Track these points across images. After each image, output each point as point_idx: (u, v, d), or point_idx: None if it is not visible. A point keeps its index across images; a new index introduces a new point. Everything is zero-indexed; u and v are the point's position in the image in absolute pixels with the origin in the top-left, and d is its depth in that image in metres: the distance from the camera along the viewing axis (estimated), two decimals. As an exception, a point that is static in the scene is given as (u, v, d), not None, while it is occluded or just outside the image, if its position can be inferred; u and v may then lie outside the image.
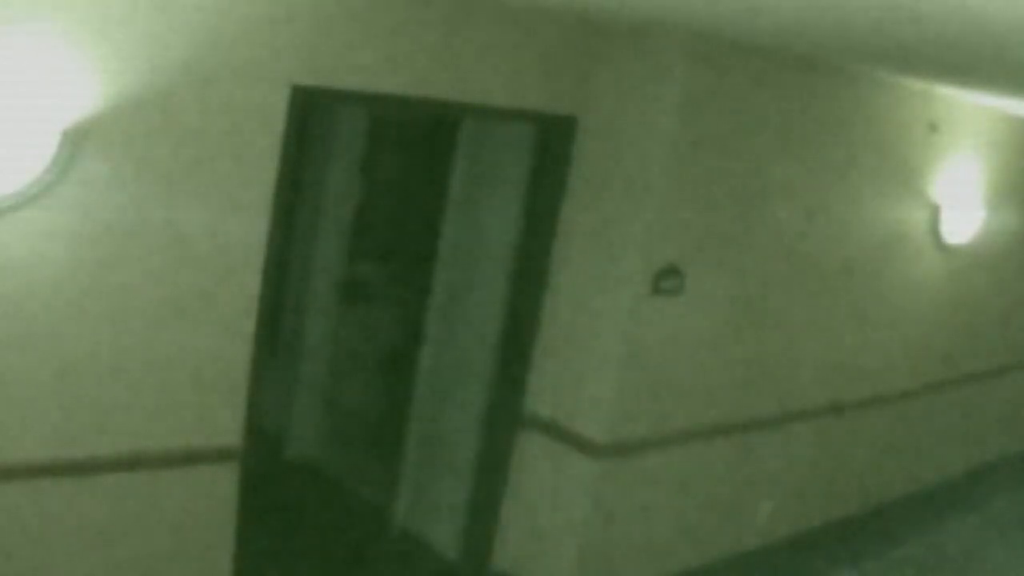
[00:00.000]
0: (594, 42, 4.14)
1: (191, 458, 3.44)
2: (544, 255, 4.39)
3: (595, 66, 4.18)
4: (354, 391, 5.88)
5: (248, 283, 3.42)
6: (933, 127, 5.30)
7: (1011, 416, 7.21)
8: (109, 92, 2.93)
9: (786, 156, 4.59)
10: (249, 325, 3.46)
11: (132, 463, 3.31)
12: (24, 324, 3.00)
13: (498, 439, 4.57)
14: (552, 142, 4.29)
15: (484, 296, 4.58)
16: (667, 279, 4.25)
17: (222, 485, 3.56)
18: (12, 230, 2.88)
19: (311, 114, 5.23)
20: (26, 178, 2.83)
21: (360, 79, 3.52)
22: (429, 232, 4.92)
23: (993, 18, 2.08)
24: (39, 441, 3.12)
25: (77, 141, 2.89)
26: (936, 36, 2.60)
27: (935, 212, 5.58)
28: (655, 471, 4.59)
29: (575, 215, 4.33)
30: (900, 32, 2.67)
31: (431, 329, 4.80)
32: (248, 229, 3.37)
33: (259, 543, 4.06)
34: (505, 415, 4.55)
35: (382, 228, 5.90)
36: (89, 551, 3.32)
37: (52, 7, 2.78)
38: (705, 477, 4.83)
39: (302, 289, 5.56)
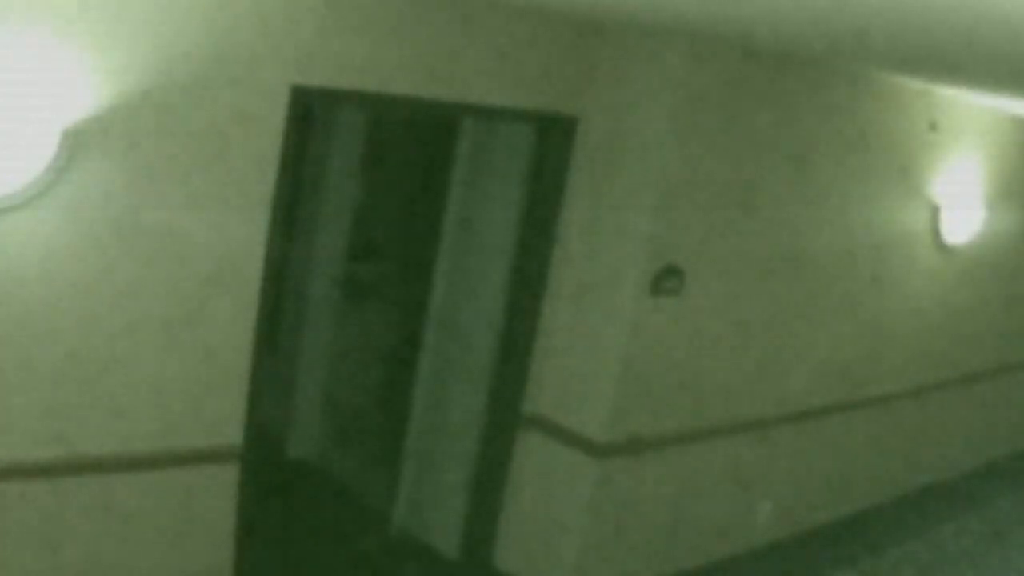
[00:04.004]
0: (594, 42, 4.14)
1: (191, 458, 3.44)
2: (544, 255, 4.39)
3: (595, 66, 4.18)
4: (354, 391, 5.88)
5: (248, 283, 3.42)
6: (933, 127, 5.30)
7: (1011, 416, 7.21)
8: (109, 92, 2.93)
9: (786, 156, 4.59)
10: (249, 325, 3.47)
11: (132, 463, 3.31)
12: (23, 324, 3.00)
13: (498, 439, 4.57)
14: (552, 142, 4.29)
15: (484, 296, 4.58)
16: (667, 279, 4.25)
17: (222, 485, 3.56)
18: (12, 230, 2.88)
19: (311, 114, 5.23)
20: (26, 178, 2.83)
21: (360, 79, 3.52)
22: (429, 232, 4.92)
23: (994, 18, 2.08)
24: (38, 441, 3.12)
25: (77, 141, 2.90)
26: (937, 36, 2.60)
27: (935, 212, 5.58)
28: (655, 471, 4.59)
29: (575, 215, 4.34)
30: (901, 32, 2.67)
31: (431, 329, 4.80)
32: (248, 229, 3.37)
33: (259, 543, 4.06)
34: (505, 415, 4.55)
35: (382, 228, 5.90)
36: (89, 551, 3.32)
37: (52, 7, 2.78)
38: (705, 477, 4.83)
39: (302, 289, 5.56)
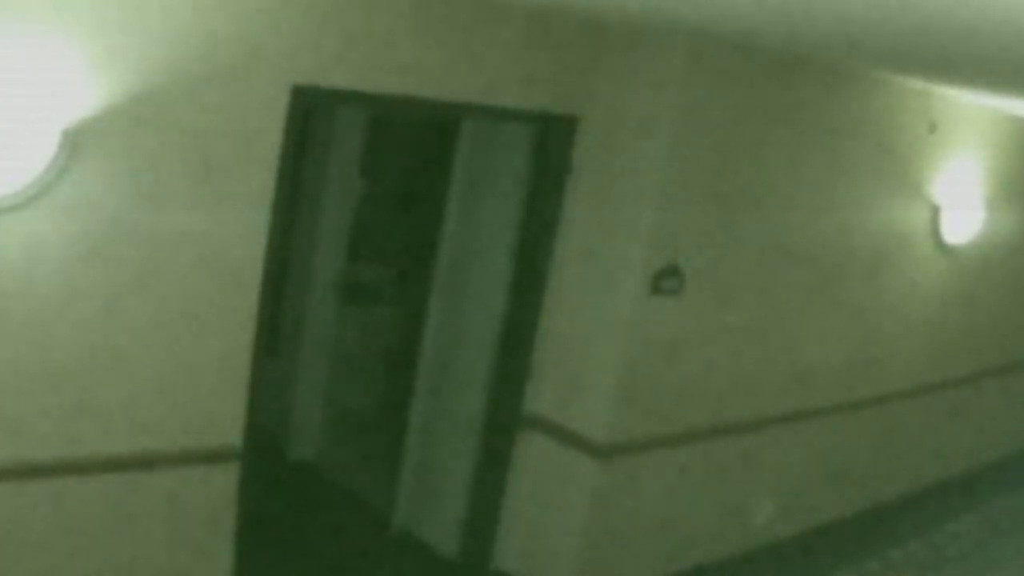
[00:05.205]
0: (595, 42, 4.14)
1: (191, 458, 3.44)
2: (544, 255, 4.39)
3: (596, 66, 4.18)
4: (354, 391, 5.88)
5: (248, 283, 3.42)
6: (933, 127, 5.30)
7: (1011, 416, 7.21)
8: (109, 92, 2.93)
9: (786, 156, 4.59)
10: (249, 325, 3.46)
11: (132, 463, 3.31)
12: (24, 324, 3.00)
13: (498, 439, 4.57)
14: (552, 142, 4.29)
15: (484, 296, 4.58)
16: (667, 279, 4.25)
17: (222, 485, 3.56)
18: (12, 230, 2.88)
19: (311, 114, 5.23)
20: (26, 178, 2.83)
21: (360, 79, 3.52)
22: (429, 232, 4.92)
23: (994, 17, 2.08)
24: (39, 441, 3.12)
25: (77, 141, 2.90)
26: (935, 36, 2.60)
27: (935, 212, 5.58)
28: (655, 471, 4.59)
29: (575, 215, 4.33)
30: (900, 32, 2.67)
31: (431, 329, 4.80)
32: (248, 229, 3.37)
33: (259, 543, 4.06)
34: (505, 415, 4.55)
35: (382, 228, 5.91)
36: (89, 551, 3.32)
37: (52, 7, 2.78)
38: (705, 477, 4.83)
39: (302, 289, 5.56)
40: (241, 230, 3.35)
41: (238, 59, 3.17)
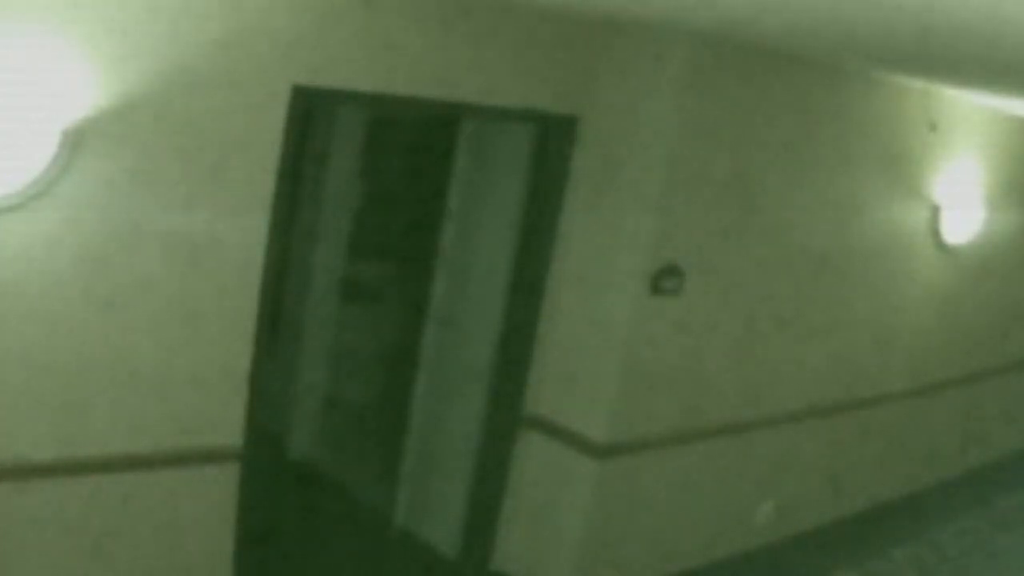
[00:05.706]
0: (595, 42, 4.14)
1: (191, 458, 3.44)
2: (544, 255, 4.39)
3: (596, 66, 4.18)
4: (354, 391, 5.88)
5: (248, 283, 3.42)
6: (933, 127, 5.30)
7: (1011, 416, 7.21)
8: (109, 92, 2.93)
9: (786, 156, 4.59)
10: (249, 325, 3.46)
11: (132, 463, 3.31)
12: (23, 323, 3.00)
13: (498, 439, 4.57)
14: (552, 142, 4.29)
15: (484, 296, 4.58)
16: (667, 279, 4.25)
17: (222, 485, 3.56)
18: (12, 230, 2.88)
19: (311, 114, 5.23)
20: (26, 178, 2.83)
21: (360, 79, 3.52)
22: (429, 232, 4.92)
23: (995, 17, 2.08)
24: (39, 441, 3.12)
25: (77, 141, 2.90)
26: (935, 36, 2.60)
27: (935, 212, 5.58)
28: (655, 471, 4.59)
29: (575, 215, 4.33)
30: (900, 32, 2.67)
31: (431, 329, 4.80)
32: (248, 229, 3.37)
33: (259, 543, 4.06)
34: (505, 415, 4.55)
35: (382, 228, 5.90)
36: (89, 551, 3.32)
37: (52, 8, 2.78)
38: (705, 477, 4.83)
39: (302, 289, 5.55)
40: (241, 230, 3.36)
41: (238, 59, 3.17)
